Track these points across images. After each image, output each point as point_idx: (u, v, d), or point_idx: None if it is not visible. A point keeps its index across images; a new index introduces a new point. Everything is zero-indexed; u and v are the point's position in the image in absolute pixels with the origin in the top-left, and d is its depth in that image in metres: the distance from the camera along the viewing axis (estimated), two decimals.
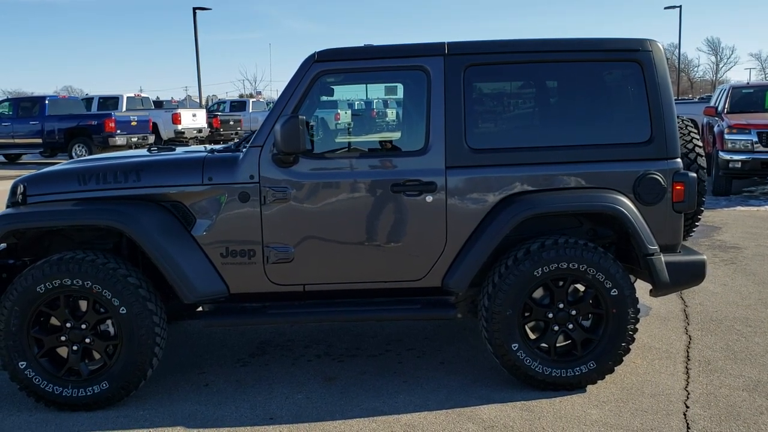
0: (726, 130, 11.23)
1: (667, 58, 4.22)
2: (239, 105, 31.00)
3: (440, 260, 3.94)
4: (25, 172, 6.45)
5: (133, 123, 19.65)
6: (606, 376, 3.96)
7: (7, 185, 4.80)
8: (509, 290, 3.81)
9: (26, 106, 20.12)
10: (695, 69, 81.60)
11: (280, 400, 3.93)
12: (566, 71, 4.04)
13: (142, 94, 25.99)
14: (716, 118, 12.24)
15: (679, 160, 3.98)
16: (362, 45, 4.11)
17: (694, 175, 3.99)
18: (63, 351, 3.88)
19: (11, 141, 19.79)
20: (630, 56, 3.97)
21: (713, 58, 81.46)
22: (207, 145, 5.22)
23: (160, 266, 3.80)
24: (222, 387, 4.14)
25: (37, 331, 3.80)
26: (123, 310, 3.73)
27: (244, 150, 3.99)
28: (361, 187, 3.92)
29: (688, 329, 4.97)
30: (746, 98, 12.80)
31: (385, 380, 4.17)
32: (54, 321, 3.86)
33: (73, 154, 18.85)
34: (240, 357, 4.63)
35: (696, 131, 4.55)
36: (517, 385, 3.98)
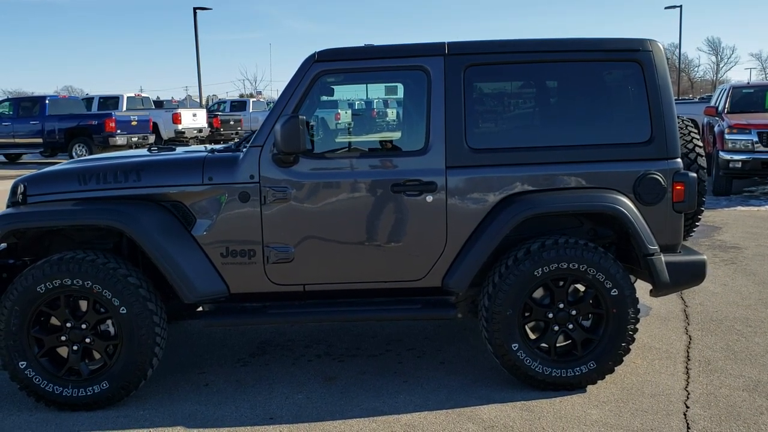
0: (726, 130, 11.23)
1: (668, 58, 4.22)
2: (239, 105, 31.01)
3: (440, 260, 3.94)
4: (26, 172, 6.45)
5: (134, 123, 19.66)
6: (606, 376, 3.96)
7: (8, 185, 4.80)
8: (509, 290, 3.81)
9: (26, 106, 20.13)
10: (696, 69, 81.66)
11: (280, 400, 3.93)
12: (566, 71, 4.04)
13: (143, 94, 26.00)
14: (716, 118, 12.23)
15: (679, 160, 3.98)
16: (362, 45, 4.11)
17: (695, 175, 3.99)
18: (63, 351, 3.88)
19: (11, 141, 19.81)
20: (630, 56, 3.97)
21: (713, 58, 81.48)
22: (207, 145, 5.22)
23: (161, 266, 3.80)
24: (222, 387, 4.14)
25: (38, 331, 3.81)
26: (123, 310, 3.73)
27: (244, 150, 3.99)
28: (361, 187, 3.92)
29: (689, 329, 4.96)
30: (747, 98, 12.80)
31: (385, 380, 4.17)
32: (54, 321, 3.87)
33: (74, 153, 18.85)
34: (240, 357, 4.63)
35: (696, 131, 4.55)
36: (517, 385, 3.98)
